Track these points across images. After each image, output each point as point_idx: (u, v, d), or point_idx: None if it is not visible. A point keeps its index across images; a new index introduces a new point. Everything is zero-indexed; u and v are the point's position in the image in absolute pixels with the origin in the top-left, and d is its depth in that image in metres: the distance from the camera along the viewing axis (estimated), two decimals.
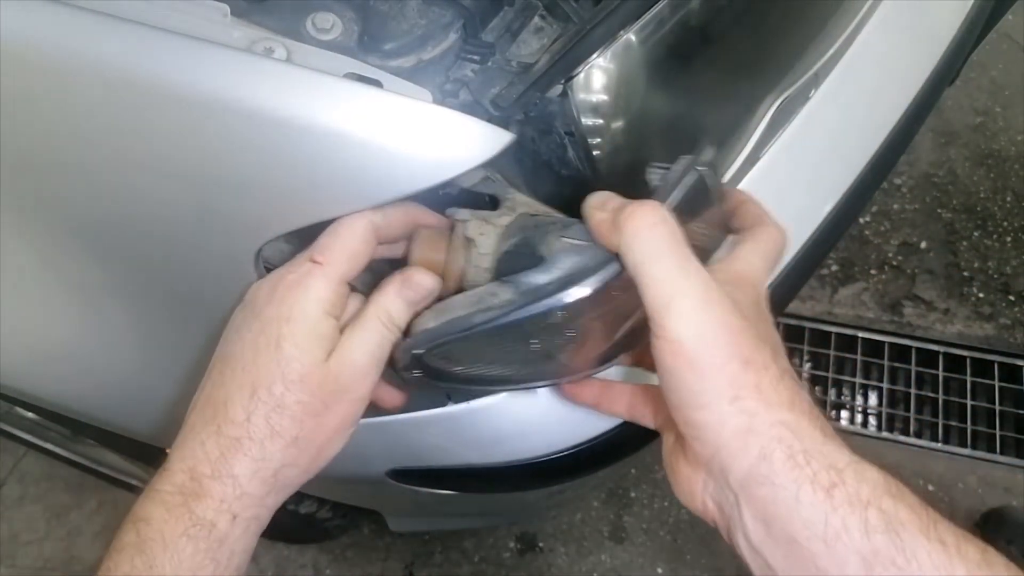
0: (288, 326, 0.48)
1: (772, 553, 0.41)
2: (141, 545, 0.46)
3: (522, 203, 0.54)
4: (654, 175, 0.49)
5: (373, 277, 0.55)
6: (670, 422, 0.50)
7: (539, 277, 0.46)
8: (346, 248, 0.50)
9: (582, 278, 0.45)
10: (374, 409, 0.59)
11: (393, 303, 0.51)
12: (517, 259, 0.49)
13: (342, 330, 0.51)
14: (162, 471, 0.48)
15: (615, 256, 0.45)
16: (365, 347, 0.50)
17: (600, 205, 0.46)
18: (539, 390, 0.69)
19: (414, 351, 0.50)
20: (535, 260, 0.48)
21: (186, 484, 0.47)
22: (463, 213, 0.52)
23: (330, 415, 0.49)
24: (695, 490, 0.46)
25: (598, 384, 0.58)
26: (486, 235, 0.51)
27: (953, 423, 1.66)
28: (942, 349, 1.73)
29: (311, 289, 0.49)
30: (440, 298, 0.54)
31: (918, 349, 1.74)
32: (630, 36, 0.57)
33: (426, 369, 0.52)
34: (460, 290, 0.54)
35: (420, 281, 0.52)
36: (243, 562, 0.49)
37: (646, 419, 0.55)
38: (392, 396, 0.59)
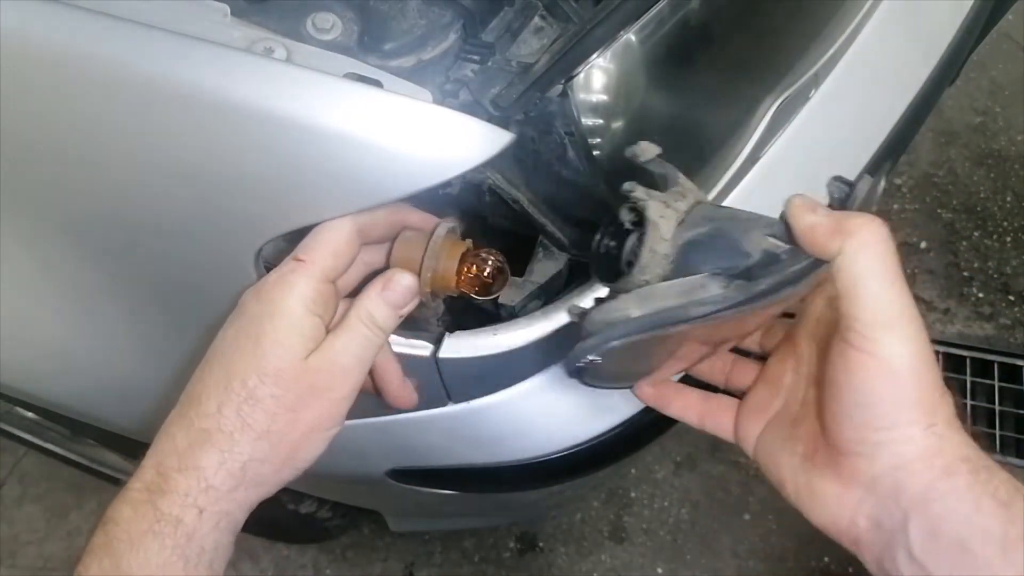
0: (270, 322, 0.49)
1: (937, 561, 0.43)
2: (108, 546, 0.46)
3: (690, 188, 0.51)
4: (836, 189, 0.47)
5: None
6: (774, 441, 0.51)
7: (755, 275, 0.44)
8: (328, 245, 0.50)
9: (791, 282, 0.44)
10: (375, 408, 0.59)
11: (376, 306, 0.51)
12: (708, 250, 0.46)
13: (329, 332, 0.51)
14: (136, 470, 0.48)
15: (817, 261, 0.44)
16: (347, 348, 0.50)
17: (811, 208, 0.44)
18: (540, 390, 0.69)
19: (614, 342, 0.46)
20: (735, 254, 0.45)
21: (153, 480, 0.47)
22: (640, 192, 0.49)
23: (306, 412, 0.49)
24: (843, 509, 0.46)
25: (672, 388, 0.57)
26: (666, 218, 0.48)
27: None
28: (942, 349, 1.73)
29: (294, 286, 0.49)
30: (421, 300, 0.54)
31: None
32: (630, 36, 0.57)
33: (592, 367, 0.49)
34: (434, 292, 0.54)
35: (400, 281, 0.52)
36: (216, 560, 0.48)
37: (721, 430, 0.55)
38: (409, 396, 0.58)
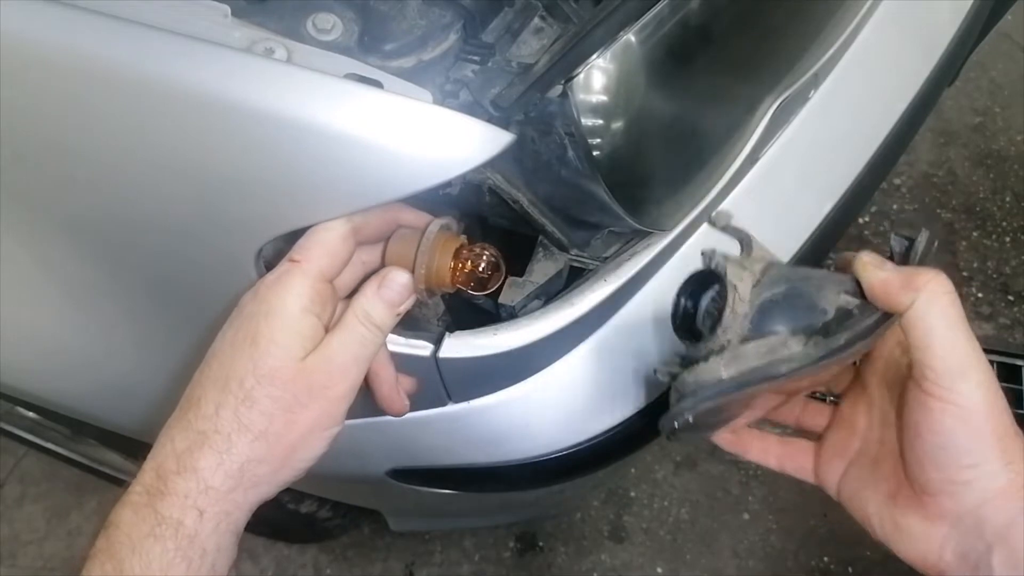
0: (266, 322, 0.49)
1: None
2: (110, 550, 0.46)
3: (763, 251, 0.54)
4: (898, 243, 0.50)
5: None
6: (857, 481, 0.53)
7: (832, 330, 0.47)
8: (323, 245, 0.51)
9: (866, 336, 0.47)
10: (375, 409, 0.59)
11: (372, 304, 0.51)
12: (785, 309, 0.49)
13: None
14: (137, 474, 0.48)
15: (887, 315, 0.47)
16: (344, 347, 0.50)
17: (880, 264, 0.47)
18: (540, 390, 0.69)
19: (708, 402, 0.49)
20: (812, 312, 0.48)
21: (152, 484, 0.47)
22: (719, 256, 0.51)
23: (304, 412, 0.49)
24: (931, 544, 0.49)
25: (750, 433, 0.59)
26: (744, 281, 0.50)
27: None
28: None
29: (290, 286, 0.49)
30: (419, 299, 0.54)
31: None
32: (630, 36, 0.57)
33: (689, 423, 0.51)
34: (430, 289, 0.54)
35: (395, 279, 0.52)
36: (219, 561, 0.48)
37: (802, 472, 0.57)
38: (400, 402, 0.58)
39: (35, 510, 1.62)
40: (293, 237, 0.53)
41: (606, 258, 0.69)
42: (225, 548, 0.49)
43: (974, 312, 1.78)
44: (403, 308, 0.53)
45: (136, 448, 0.87)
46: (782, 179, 0.79)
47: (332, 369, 0.50)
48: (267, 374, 0.48)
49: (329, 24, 0.58)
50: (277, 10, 0.58)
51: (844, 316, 0.47)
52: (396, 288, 0.52)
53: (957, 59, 0.97)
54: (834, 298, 0.48)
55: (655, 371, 0.54)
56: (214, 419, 0.48)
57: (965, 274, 1.83)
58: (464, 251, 0.56)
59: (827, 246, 0.85)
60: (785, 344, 0.48)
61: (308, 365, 0.49)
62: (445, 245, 0.54)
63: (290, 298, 0.49)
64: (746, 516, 1.55)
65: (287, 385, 0.48)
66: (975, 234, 1.87)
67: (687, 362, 0.51)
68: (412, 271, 0.53)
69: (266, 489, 0.50)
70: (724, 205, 0.75)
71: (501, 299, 0.66)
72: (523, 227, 0.67)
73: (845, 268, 0.50)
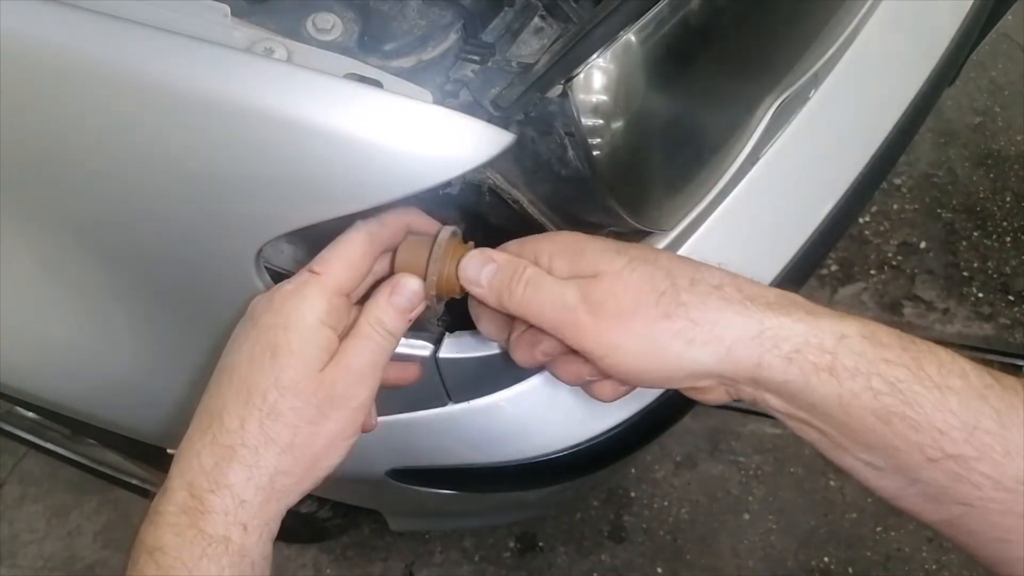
0: (284, 334, 0.49)
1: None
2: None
3: None
4: None
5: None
6: None
7: None
8: (343, 258, 0.51)
9: None
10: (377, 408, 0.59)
11: (384, 311, 0.52)
12: None
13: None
14: (163, 491, 0.48)
15: None
16: (360, 354, 0.50)
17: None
18: (540, 390, 0.69)
19: None
20: None
21: (187, 502, 0.47)
22: None
23: (327, 423, 0.50)
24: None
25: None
26: None
27: None
28: None
29: (308, 299, 0.50)
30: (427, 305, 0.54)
31: None
32: (630, 36, 0.57)
33: None
34: (440, 295, 0.54)
35: (407, 286, 0.53)
36: (265, 570, 0.49)
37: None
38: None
39: (35, 510, 1.62)
40: (293, 237, 0.53)
41: None
42: (268, 556, 0.49)
43: (974, 312, 1.78)
44: (414, 314, 0.54)
45: (136, 448, 0.87)
46: (782, 179, 0.79)
47: (351, 378, 0.50)
48: (289, 386, 0.48)
49: (329, 24, 0.58)
50: (277, 10, 0.58)
51: None
52: (407, 295, 0.53)
53: (957, 59, 0.97)
54: None
55: None
56: (240, 433, 0.48)
57: (965, 274, 1.83)
58: None
59: (827, 246, 0.85)
60: None
61: (327, 376, 0.49)
62: (455, 252, 0.55)
63: (307, 310, 0.49)
64: (746, 516, 1.55)
65: (309, 397, 0.49)
66: (975, 234, 1.87)
67: None
68: (423, 278, 0.53)
69: (291, 499, 0.51)
70: (724, 204, 0.75)
71: None
72: (523, 227, 0.67)
73: None
